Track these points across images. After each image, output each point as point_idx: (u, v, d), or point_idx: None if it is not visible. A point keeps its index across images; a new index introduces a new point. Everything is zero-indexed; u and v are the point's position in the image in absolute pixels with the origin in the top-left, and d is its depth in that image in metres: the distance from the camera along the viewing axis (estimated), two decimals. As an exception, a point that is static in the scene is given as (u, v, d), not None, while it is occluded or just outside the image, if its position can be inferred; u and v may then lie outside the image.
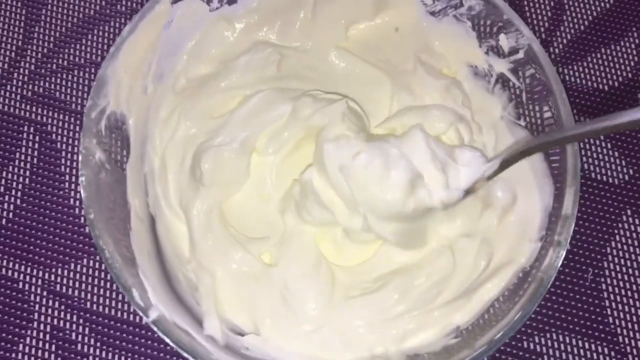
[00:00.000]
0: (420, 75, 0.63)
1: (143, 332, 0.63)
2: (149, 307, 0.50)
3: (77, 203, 0.67)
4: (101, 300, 0.64)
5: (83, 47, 0.73)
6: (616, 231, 0.67)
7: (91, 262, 0.65)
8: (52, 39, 0.73)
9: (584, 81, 0.72)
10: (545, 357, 0.63)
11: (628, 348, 0.63)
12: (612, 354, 0.63)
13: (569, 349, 0.63)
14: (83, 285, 0.64)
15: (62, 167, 0.68)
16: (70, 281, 0.64)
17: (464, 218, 0.58)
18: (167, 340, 0.49)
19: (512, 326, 0.50)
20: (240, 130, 0.60)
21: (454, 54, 0.63)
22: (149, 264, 0.55)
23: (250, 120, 0.60)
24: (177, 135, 0.60)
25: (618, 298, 0.65)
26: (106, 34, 0.73)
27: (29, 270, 0.65)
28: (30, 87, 0.71)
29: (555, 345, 0.63)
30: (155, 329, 0.49)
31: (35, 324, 0.63)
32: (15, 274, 0.65)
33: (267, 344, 0.56)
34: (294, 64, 0.64)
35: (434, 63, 0.64)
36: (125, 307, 0.64)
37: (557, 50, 0.74)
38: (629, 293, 0.65)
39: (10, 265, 0.65)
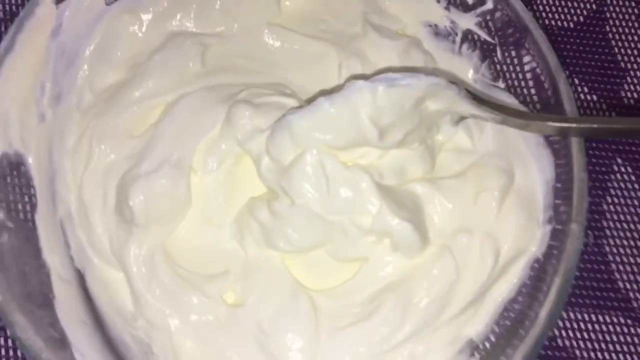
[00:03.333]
0: (372, 38, 0.58)
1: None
2: None
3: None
4: None
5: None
6: (609, 184, 0.65)
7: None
8: None
9: (547, 20, 0.71)
10: (559, 340, 0.60)
11: None
12: (629, 322, 0.61)
13: (583, 326, 0.61)
14: None
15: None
16: None
17: (456, 203, 0.53)
18: None
19: (544, 331, 0.45)
20: (169, 148, 0.54)
21: (408, 13, 0.60)
22: (85, 337, 0.48)
23: (179, 133, 0.54)
24: (92, 165, 0.54)
25: (625, 259, 0.63)
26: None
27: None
28: None
29: (568, 325, 0.61)
30: None
31: None
32: None
33: None
34: (221, 53, 0.59)
35: (386, 24, 0.60)
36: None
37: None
38: (635, 251, 0.63)
39: None
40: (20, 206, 0.50)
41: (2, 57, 0.50)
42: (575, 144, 0.49)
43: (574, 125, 0.48)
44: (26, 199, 0.51)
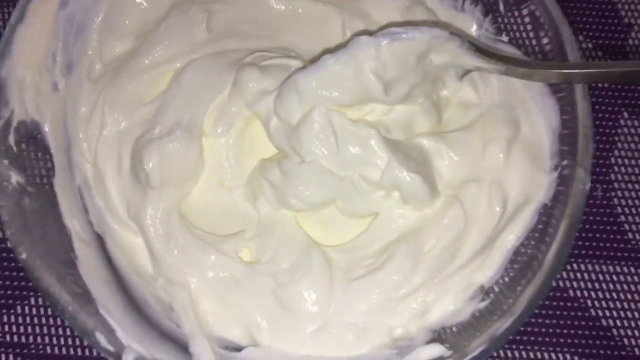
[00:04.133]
0: None
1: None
2: (122, 350, 0.46)
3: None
4: (62, 341, 0.59)
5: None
6: (616, 138, 0.66)
7: (39, 299, 0.59)
8: None
9: None
10: (571, 291, 0.61)
11: None
12: (639, 272, 0.62)
13: (594, 277, 0.62)
14: (37, 329, 0.58)
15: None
16: (21, 327, 0.59)
17: (463, 155, 0.54)
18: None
19: (551, 275, 0.47)
20: (180, 113, 0.55)
21: None
22: (109, 294, 0.50)
23: (189, 99, 0.55)
24: (105, 132, 0.56)
25: (633, 210, 0.64)
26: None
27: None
28: None
29: (579, 277, 0.62)
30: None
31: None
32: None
33: (270, 353, 0.52)
34: (226, 19, 0.59)
35: None
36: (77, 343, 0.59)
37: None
38: None
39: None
40: (40, 173, 0.52)
41: (14, 26, 0.51)
42: (579, 90, 0.50)
43: (576, 70, 0.48)
44: (44, 165, 0.52)
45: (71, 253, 0.50)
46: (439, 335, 0.52)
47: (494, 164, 0.54)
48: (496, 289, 0.52)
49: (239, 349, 0.53)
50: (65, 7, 0.54)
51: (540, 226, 0.52)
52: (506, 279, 0.51)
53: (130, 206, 0.54)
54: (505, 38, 0.57)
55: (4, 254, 0.59)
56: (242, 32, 0.58)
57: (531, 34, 0.54)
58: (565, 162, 0.51)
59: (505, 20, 0.57)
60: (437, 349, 0.50)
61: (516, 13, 0.55)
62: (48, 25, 0.53)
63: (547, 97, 0.53)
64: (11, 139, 0.50)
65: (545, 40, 0.53)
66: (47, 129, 0.53)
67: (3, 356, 0.58)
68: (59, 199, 0.52)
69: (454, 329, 0.51)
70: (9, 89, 0.50)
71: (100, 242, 0.54)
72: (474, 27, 0.58)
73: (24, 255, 0.46)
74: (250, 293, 0.53)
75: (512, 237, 0.52)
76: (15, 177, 0.49)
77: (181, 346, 0.50)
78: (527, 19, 0.54)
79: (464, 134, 0.55)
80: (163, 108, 0.55)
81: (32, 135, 0.52)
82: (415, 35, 0.50)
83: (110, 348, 0.45)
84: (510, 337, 0.54)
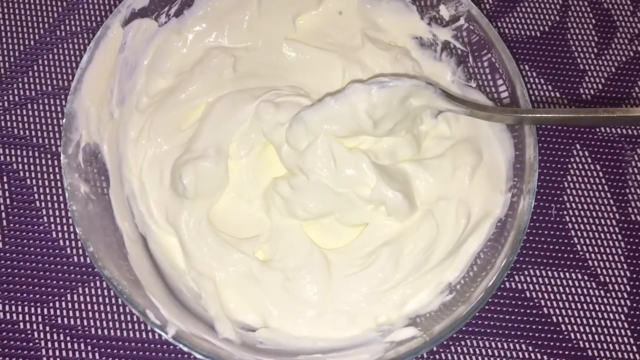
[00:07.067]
0: (368, 48, 0.64)
1: (152, 346, 0.65)
2: (166, 324, 0.52)
3: (60, 235, 0.67)
4: (104, 324, 0.65)
5: (31, 79, 0.72)
6: (569, 165, 0.70)
7: (86, 289, 0.65)
8: (-3, 76, 0.72)
9: (517, 31, 0.75)
10: (527, 292, 0.66)
11: (598, 270, 0.67)
12: (585, 277, 0.67)
13: (547, 281, 0.67)
14: (84, 313, 0.65)
15: (37, 203, 0.68)
16: (70, 311, 0.65)
17: (437, 178, 0.60)
18: (191, 351, 0.51)
19: (501, 273, 0.53)
20: (211, 139, 0.60)
21: (398, 28, 0.65)
22: (153, 282, 0.56)
23: (218, 127, 0.61)
24: (149, 153, 0.61)
25: (582, 227, 0.69)
26: (52, 62, 0.72)
27: (27, 310, 0.65)
28: (-13, 129, 0.70)
29: (535, 280, 0.67)
30: (176, 343, 0.51)
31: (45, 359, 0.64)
32: (15, 316, 0.65)
33: (279, 334, 0.57)
34: (249, 63, 0.64)
35: (380, 37, 0.65)
36: (130, 326, 0.65)
37: (487, 6, 0.76)
38: (591, 220, 0.69)
39: (7, 308, 0.65)
40: (99, 184, 0.57)
41: (84, 68, 0.56)
42: (527, 129, 0.56)
43: (525, 115, 0.55)
44: (103, 178, 0.58)
45: (123, 249, 0.56)
46: (414, 321, 0.57)
47: (461, 185, 0.59)
48: (459, 285, 0.57)
49: (253, 329, 0.58)
50: (123, 51, 0.59)
51: (492, 237, 0.57)
52: (467, 278, 0.57)
53: (169, 213, 0.59)
54: (473, 84, 0.62)
55: (57, 250, 0.66)
56: (261, 73, 0.64)
57: (491, 83, 0.60)
58: (516, 186, 0.56)
59: (474, 70, 0.62)
60: (411, 331, 0.55)
61: (480, 65, 0.61)
62: (109, 67, 0.58)
63: (504, 133, 0.59)
64: (80, 157, 0.55)
65: (502, 88, 0.59)
66: (105, 149, 0.58)
67: (55, 335, 0.63)
68: (113, 205, 0.57)
69: (425, 316, 0.56)
70: (78, 118, 0.56)
71: (143, 241, 0.59)
72: (449, 74, 0.64)
73: (91, 249, 0.51)
74: (264, 285, 0.58)
75: (474, 244, 0.58)
76: (83, 187, 0.54)
77: (208, 324, 0.56)
78: (488, 70, 0.60)
79: (438, 160, 0.60)
80: (197, 134, 0.60)
81: (94, 154, 0.57)
82: (399, 84, 0.55)
83: (158, 322, 0.51)
84: (476, 330, 0.61)
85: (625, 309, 0.66)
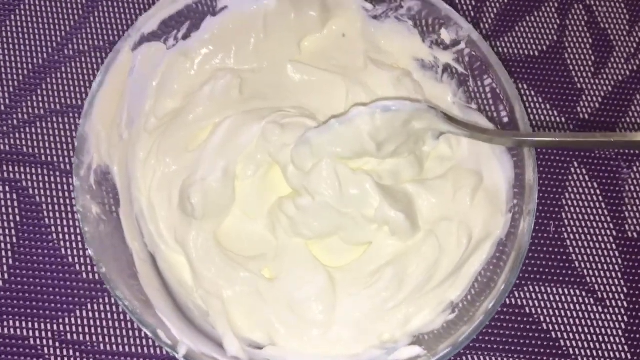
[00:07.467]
0: (371, 70, 0.65)
1: (161, 361, 0.66)
2: (177, 344, 0.53)
3: (69, 252, 0.69)
4: (113, 339, 0.65)
5: (40, 98, 0.73)
6: (567, 184, 0.71)
7: (95, 305, 0.66)
8: (7, 94, 0.73)
9: (516, 50, 0.75)
10: (527, 308, 0.67)
11: (596, 286, 0.68)
12: (583, 294, 0.68)
13: (546, 297, 0.68)
14: (92, 329, 0.66)
15: (46, 220, 0.69)
16: (80, 327, 0.66)
17: (439, 198, 0.60)
18: (201, 370, 0.52)
19: (503, 293, 0.55)
20: (218, 159, 0.61)
21: (400, 50, 0.66)
22: (162, 300, 0.57)
23: (225, 148, 0.61)
24: (158, 173, 0.62)
25: (580, 243, 0.70)
26: (60, 80, 0.73)
27: (37, 325, 0.66)
28: (-4, 147, 0.71)
29: (534, 296, 0.68)
30: (186, 362, 0.52)
31: (54, 375, 0.65)
32: (25, 332, 0.66)
33: (285, 351, 0.58)
34: (254, 84, 0.65)
35: (383, 59, 0.66)
36: (138, 342, 0.66)
37: (487, 26, 0.78)
38: (589, 237, 0.70)
39: (17, 324, 0.66)
40: (110, 205, 0.58)
41: (96, 92, 0.57)
42: (526, 152, 0.56)
43: (524, 138, 0.56)
44: (113, 198, 0.58)
45: (133, 267, 0.56)
46: (417, 339, 0.57)
47: (462, 206, 0.60)
48: (462, 304, 0.57)
49: (260, 347, 0.58)
50: (132, 74, 0.60)
51: (497, 255, 0.58)
52: (469, 297, 0.57)
53: (177, 232, 0.60)
54: (474, 106, 0.63)
55: (66, 267, 0.67)
56: (267, 95, 0.64)
57: (492, 106, 0.61)
58: (516, 206, 0.57)
59: (475, 93, 0.62)
60: (415, 350, 0.56)
61: (481, 88, 0.61)
62: (119, 90, 0.59)
63: (505, 155, 0.60)
64: (92, 179, 0.56)
65: (503, 113, 0.60)
66: (115, 171, 0.59)
67: (65, 351, 0.64)
68: (123, 225, 0.58)
69: (429, 334, 0.57)
70: (89, 141, 0.56)
71: (153, 260, 0.60)
72: (450, 95, 0.64)
73: (103, 270, 0.52)
74: (270, 303, 0.59)
75: (475, 264, 0.58)
76: (94, 209, 0.55)
77: (216, 342, 0.56)
78: (489, 94, 0.60)
79: (439, 181, 0.61)
80: (204, 155, 0.60)
81: (105, 176, 0.58)
82: (401, 108, 0.56)
83: (169, 342, 0.51)
84: (477, 345, 0.62)
85: (622, 324, 0.67)
